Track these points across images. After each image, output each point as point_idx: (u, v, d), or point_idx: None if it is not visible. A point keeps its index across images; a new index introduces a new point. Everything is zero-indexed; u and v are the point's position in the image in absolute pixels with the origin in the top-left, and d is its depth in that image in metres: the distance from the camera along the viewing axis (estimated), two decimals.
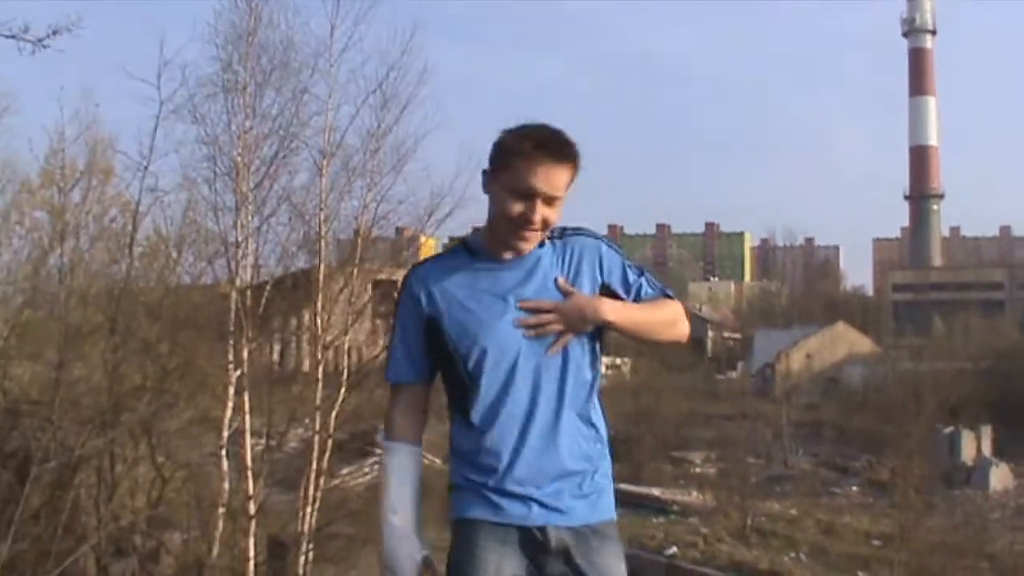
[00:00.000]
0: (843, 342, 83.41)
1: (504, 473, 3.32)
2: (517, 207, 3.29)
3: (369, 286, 22.84)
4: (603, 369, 3.58)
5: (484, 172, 3.39)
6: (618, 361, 63.15)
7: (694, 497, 43.82)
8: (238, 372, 19.58)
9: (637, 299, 3.49)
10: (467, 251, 3.44)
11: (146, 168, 20.06)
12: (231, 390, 19.59)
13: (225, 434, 19.62)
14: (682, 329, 3.59)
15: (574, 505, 3.35)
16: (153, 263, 22.61)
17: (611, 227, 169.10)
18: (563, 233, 3.46)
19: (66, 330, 20.81)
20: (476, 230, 3.49)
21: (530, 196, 3.28)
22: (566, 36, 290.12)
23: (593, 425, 3.42)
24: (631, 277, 3.51)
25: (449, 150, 25.61)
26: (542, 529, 3.32)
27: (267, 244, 20.97)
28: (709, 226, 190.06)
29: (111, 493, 19.88)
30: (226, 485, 19.61)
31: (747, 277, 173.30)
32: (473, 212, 22.70)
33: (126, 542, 20.67)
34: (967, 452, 49.84)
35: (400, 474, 3.42)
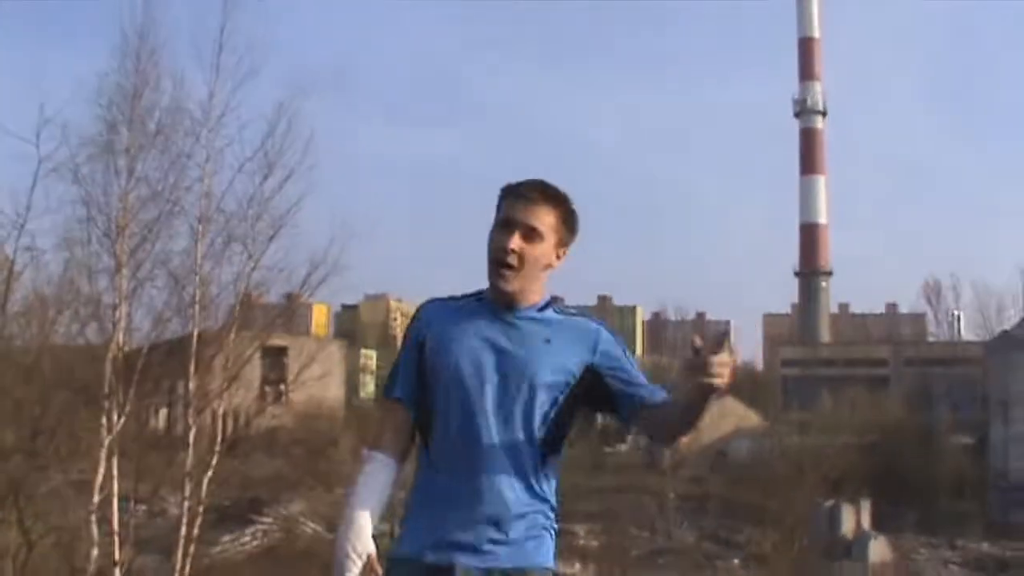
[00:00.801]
0: (731, 416, 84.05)
1: (438, 506, 3.49)
2: (499, 238, 3.54)
3: (250, 351, 22.53)
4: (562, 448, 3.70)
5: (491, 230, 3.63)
6: None
7: (576, 569, 43.71)
8: (110, 436, 19.29)
9: (630, 387, 3.61)
10: (477, 298, 3.65)
11: (22, 227, 19.84)
12: (103, 454, 19.29)
13: (95, 498, 19.29)
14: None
15: (494, 549, 3.46)
16: (29, 323, 22.29)
17: None
18: (566, 309, 3.68)
19: None
20: None
21: (510, 226, 3.53)
22: (458, 112, 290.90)
23: (535, 483, 3.55)
24: (624, 376, 3.63)
25: (322, 216, 25.64)
26: (449, 567, 3.43)
27: (141, 308, 20.74)
28: (601, 299, 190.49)
29: None
30: (94, 551, 19.25)
31: (639, 351, 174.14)
32: (347, 279, 22.86)
33: None
34: (847, 525, 50.32)
35: (371, 479, 3.53)
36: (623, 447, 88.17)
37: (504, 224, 3.56)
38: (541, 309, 3.63)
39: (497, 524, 3.48)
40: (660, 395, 3.61)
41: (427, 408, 3.59)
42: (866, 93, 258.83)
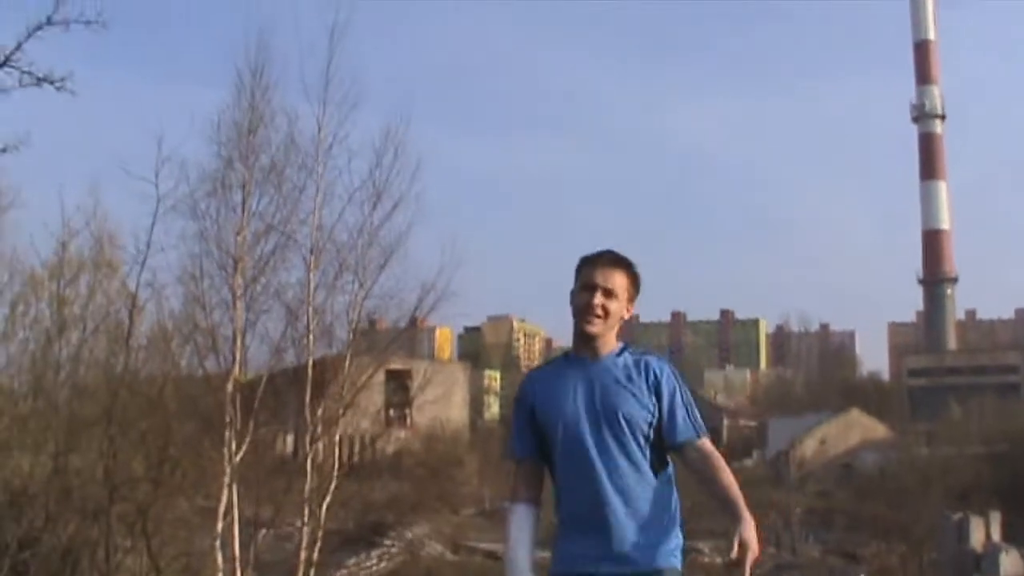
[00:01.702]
0: (857, 428, 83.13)
1: (569, 525, 4.43)
2: (584, 297, 4.47)
3: (366, 377, 22.90)
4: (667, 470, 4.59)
5: (572, 292, 4.56)
6: None
7: None
8: (231, 464, 19.78)
9: (669, 423, 4.45)
10: (564, 357, 4.65)
11: (143, 263, 20.50)
12: (225, 481, 19.80)
13: (219, 525, 19.79)
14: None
15: (621, 551, 4.32)
16: (153, 355, 22.96)
17: None
18: (638, 352, 4.56)
19: (66, 422, 21.19)
20: None
21: (591, 288, 4.46)
22: (571, 123, 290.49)
23: (643, 492, 4.40)
24: (673, 406, 4.48)
25: (435, 240, 26.02)
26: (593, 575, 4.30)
27: (257, 339, 21.23)
28: (724, 313, 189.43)
29: None
30: (220, 575, 19.75)
31: (763, 364, 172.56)
32: (465, 303, 23.21)
33: None
34: (976, 538, 49.26)
35: (519, 525, 4.46)
36: (749, 462, 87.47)
37: (587, 287, 4.48)
38: (618, 354, 4.54)
39: (620, 532, 4.32)
40: (688, 436, 4.49)
41: (548, 457, 4.49)
42: (985, 94, 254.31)
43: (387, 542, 46.48)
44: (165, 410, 21.30)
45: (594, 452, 4.36)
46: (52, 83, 13.05)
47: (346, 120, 21.66)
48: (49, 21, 13.25)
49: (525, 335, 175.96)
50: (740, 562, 4.18)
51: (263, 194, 20.97)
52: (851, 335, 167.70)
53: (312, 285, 21.11)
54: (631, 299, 4.59)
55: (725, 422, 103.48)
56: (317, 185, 21.38)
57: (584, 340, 4.51)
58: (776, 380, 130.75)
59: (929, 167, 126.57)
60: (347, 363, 21.79)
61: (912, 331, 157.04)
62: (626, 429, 4.38)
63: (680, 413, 4.48)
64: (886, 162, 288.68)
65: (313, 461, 21.13)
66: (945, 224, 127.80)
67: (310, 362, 21.29)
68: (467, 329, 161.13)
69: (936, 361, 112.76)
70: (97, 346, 22.63)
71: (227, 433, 19.84)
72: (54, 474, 20.41)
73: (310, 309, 21.09)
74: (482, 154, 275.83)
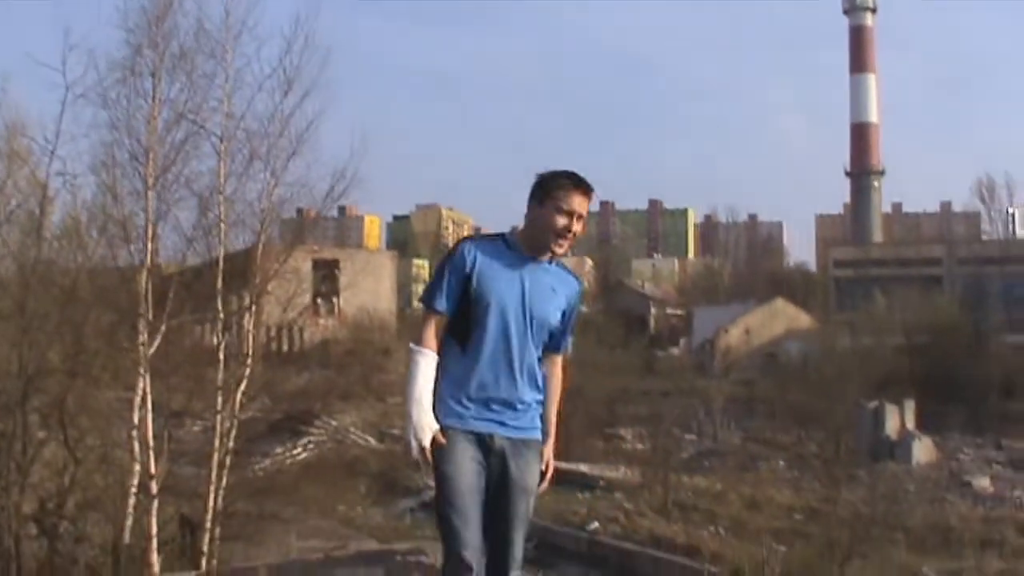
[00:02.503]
0: (782, 318, 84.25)
1: (476, 392, 4.94)
2: (562, 221, 4.94)
3: (277, 266, 22.84)
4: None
5: (531, 199, 5.00)
6: None
7: (621, 473, 44.08)
8: (146, 355, 19.71)
9: (558, 336, 5.14)
10: (504, 242, 5.05)
11: (52, 152, 20.19)
12: (140, 371, 19.75)
13: (136, 415, 19.77)
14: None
15: (515, 423, 4.99)
16: (66, 246, 22.76)
17: None
18: (561, 264, 5.14)
19: None
20: (513, 229, 5.18)
21: (569, 214, 4.94)
22: (491, 11, 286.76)
23: (539, 382, 5.07)
24: (567, 326, 5.18)
25: (341, 128, 25.53)
26: (490, 436, 4.93)
27: (169, 228, 21.07)
28: (653, 203, 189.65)
29: (24, 474, 20.06)
30: (136, 466, 19.77)
31: (691, 254, 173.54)
32: (379, 192, 23.10)
33: (41, 523, 20.87)
34: (891, 426, 50.50)
35: (426, 371, 4.94)
36: (675, 350, 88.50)
37: (565, 212, 4.92)
38: (550, 261, 5.08)
39: (518, 407, 4.99)
40: (562, 351, 5.26)
41: (468, 319, 4.94)
42: None
43: (313, 430, 46.77)
44: (80, 301, 21.14)
45: (515, 342, 4.95)
46: None
47: (255, 6, 21.28)
48: None
49: (454, 223, 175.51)
50: (543, 473, 5.14)
51: (174, 81, 20.65)
52: (779, 226, 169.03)
53: (223, 174, 20.92)
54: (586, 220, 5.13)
55: (652, 311, 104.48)
56: (227, 72, 21.08)
57: (539, 250, 5.02)
58: (703, 270, 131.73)
59: (859, 60, 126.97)
60: (258, 252, 21.74)
61: (839, 223, 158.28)
62: (540, 330, 5.03)
63: (569, 331, 5.21)
64: (817, 54, 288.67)
65: (228, 350, 21.15)
66: (874, 117, 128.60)
67: (221, 251, 21.19)
68: (396, 218, 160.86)
69: (862, 253, 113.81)
70: (9, 237, 22.34)
71: (141, 324, 19.76)
72: None
73: (221, 198, 20.94)
74: (402, 42, 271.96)
